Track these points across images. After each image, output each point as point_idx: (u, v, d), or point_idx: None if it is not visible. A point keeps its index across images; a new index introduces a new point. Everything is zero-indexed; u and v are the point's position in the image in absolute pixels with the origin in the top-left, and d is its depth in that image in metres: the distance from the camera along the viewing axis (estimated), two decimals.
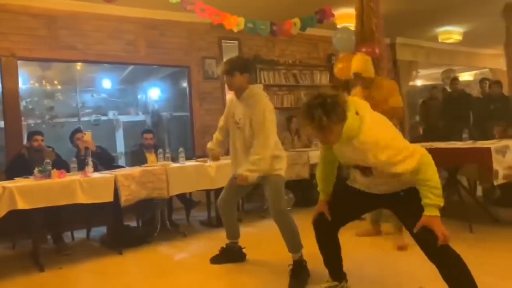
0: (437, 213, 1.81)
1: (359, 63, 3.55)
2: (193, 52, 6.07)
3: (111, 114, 7.80)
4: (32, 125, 6.62)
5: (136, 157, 4.70)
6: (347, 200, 2.22)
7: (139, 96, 8.61)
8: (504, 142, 3.71)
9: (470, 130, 5.02)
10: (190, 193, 4.74)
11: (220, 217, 4.48)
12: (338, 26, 5.61)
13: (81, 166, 3.77)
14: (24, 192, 3.17)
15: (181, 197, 4.60)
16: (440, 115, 6.28)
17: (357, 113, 1.89)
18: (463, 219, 3.58)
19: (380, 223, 3.63)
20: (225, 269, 3.06)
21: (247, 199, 5.35)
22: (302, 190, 5.20)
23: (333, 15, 5.27)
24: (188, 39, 6.02)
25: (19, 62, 4.91)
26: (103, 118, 7.63)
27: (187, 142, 6.46)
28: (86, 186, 3.43)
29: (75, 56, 5.28)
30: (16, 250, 3.98)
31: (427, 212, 1.81)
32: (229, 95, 3.15)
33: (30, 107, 6.78)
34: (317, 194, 2.30)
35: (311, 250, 2.69)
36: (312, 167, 4.80)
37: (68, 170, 3.74)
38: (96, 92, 7.78)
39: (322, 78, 7.17)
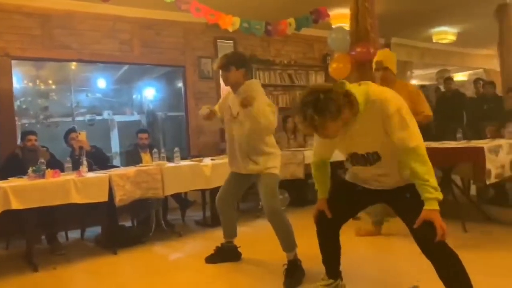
0: (437, 207, 1.80)
1: (383, 53, 3.52)
2: (189, 51, 6.06)
3: (106, 114, 7.77)
4: (26, 125, 6.58)
5: (131, 157, 4.68)
6: (346, 197, 2.23)
7: (134, 96, 8.59)
8: (497, 142, 3.75)
9: (463, 130, 5.06)
10: (186, 193, 4.73)
11: (216, 217, 4.52)
12: (333, 26, 5.62)
13: (76, 166, 3.76)
14: (18, 192, 3.15)
15: (176, 197, 4.59)
16: (434, 115, 6.31)
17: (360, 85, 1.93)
18: (457, 218, 3.60)
19: (382, 224, 3.62)
20: (220, 269, 3.07)
21: (243, 199, 5.35)
22: (297, 190, 5.21)
23: (328, 15, 5.29)
24: (184, 39, 6.01)
25: (13, 61, 4.89)
26: (98, 118, 7.60)
27: (182, 142, 6.45)
28: (81, 186, 3.42)
29: (69, 55, 5.26)
30: (10, 250, 3.96)
31: (427, 206, 1.80)
32: (226, 91, 3.13)
33: (24, 106, 6.75)
34: (312, 193, 2.31)
35: (306, 249, 2.71)
36: (307, 166, 4.79)
37: (62, 170, 3.73)
38: (91, 91, 7.75)
39: (317, 78, 7.19)
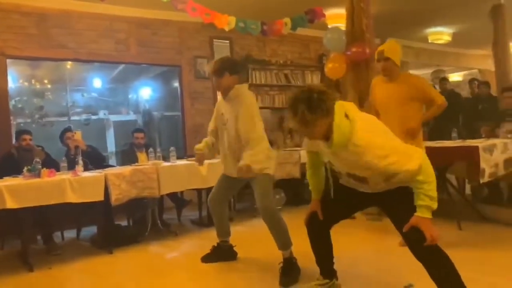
0: (429, 215, 1.80)
1: (387, 43, 3.41)
2: (185, 51, 6.06)
3: (101, 114, 7.77)
4: (22, 124, 6.56)
5: (127, 157, 4.68)
6: (340, 199, 2.23)
7: (130, 96, 8.58)
8: (492, 141, 3.77)
9: (459, 130, 5.08)
10: (182, 192, 4.73)
11: (210, 216, 4.52)
12: (329, 26, 5.64)
13: (71, 166, 3.76)
14: (13, 191, 3.14)
15: (172, 196, 4.59)
16: None
17: (346, 116, 1.86)
18: (452, 217, 3.63)
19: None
20: (216, 268, 3.07)
21: (238, 199, 5.35)
22: (293, 189, 5.23)
23: (324, 15, 5.31)
24: (180, 38, 6.01)
25: (8, 60, 4.87)
26: (94, 117, 7.59)
27: (179, 141, 6.44)
28: (76, 185, 3.41)
29: (66, 55, 5.24)
30: (5, 250, 3.94)
31: (418, 213, 1.82)
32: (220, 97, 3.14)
33: (19, 106, 6.72)
34: (308, 193, 2.31)
35: (301, 248, 2.71)
36: (303, 166, 4.80)
37: (58, 170, 3.72)
38: (87, 91, 7.74)
39: (313, 78, 7.20)
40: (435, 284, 1.89)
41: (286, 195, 5.18)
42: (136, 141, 4.74)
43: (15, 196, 3.13)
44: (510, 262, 2.79)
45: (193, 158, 4.46)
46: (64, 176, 3.48)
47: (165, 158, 4.35)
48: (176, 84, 6.51)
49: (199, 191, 4.66)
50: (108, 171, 3.79)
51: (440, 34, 7.84)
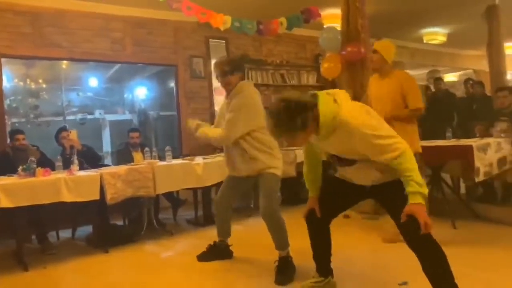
0: (421, 201, 1.82)
1: (381, 42, 3.50)
2: (180, 50, 6.05)
3: (97, 113, 7.74)
4: (17, 124, 6.53)
5: (122, 156, 4.67)
6: (336, 193, 2.25)
7: (125, 95, 8.56)
8: (486, 140, 3.80)
9: (454, 129, 5.11)
10: (177, 192, 4.73)
11: (207, 216, 4.54)
12: (325, 26, 5.66)
13: (67, 165, 3.74)
14: (8, 190, 3.12)
15: (168, 195, 4.59)
16: (425, 115, 6.36)
17: (335, 101, 1.91)
18: (446, 216, 3.65)
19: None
20: (212, 267, 3.07)
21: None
22: (289, 189, 5.23)
23: (319, 15, 5.32)
24: (176, 38, 6.00)
25: (2, 59, 4.84)
26: (89, 117, 7.57)
27: (174, 141, 6.44)
28: (72, 184, 3.40)
29: (60, 54, 5.22)
30: (0, 249, 3.92)
31: (411, 200, 1.84)
32: (218, 91, 3.17)
33: (14, 105, 6.69)
34: (304, 192, 2.32)
35: (297, 247, 2.73)
36: (299, 165, 4.83)
37: (53, 169, 3.70)
38: (82, 90, 7.73)
39: (309, 78, 7.23)
40: (428, 278, 1.91)
41: (282, 195, 5.14)
42: (132, 140, 4.73)
43: (9, 195, 3.11)
44: (502, 258, 2.82)
45: (188, 157, 4.48)
46: (60, 175, 3.47)
47: (161, 158, 4.35)
48: (171, 83, 6.50)
49: (194, 190, 4.67)
50: (104, 170, 3.78)
51: (435, 34, 7.88)
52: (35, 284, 3.00)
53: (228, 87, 2.92)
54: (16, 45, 4.84)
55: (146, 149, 4.36)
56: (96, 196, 3.50)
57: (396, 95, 3.23)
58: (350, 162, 2.03)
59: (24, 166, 3.40)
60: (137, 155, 4.66)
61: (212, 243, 3.22)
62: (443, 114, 6.19)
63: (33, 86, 6.94)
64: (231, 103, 2.87)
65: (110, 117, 7.95)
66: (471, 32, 7.54)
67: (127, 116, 8.20)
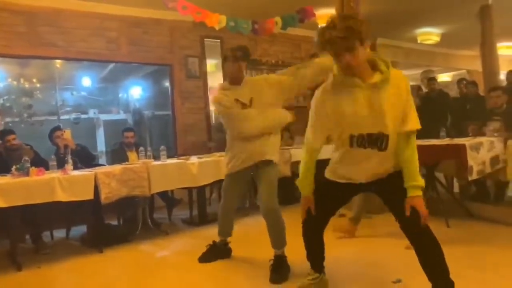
0: (420, 193, 1.90)
1: None
2: (176, 50, 6.05)
3: (91, 113, 7.72)
4: (10, 124, 6.49)
5: (117, 156, 4.65)
6: (330, 193, 2.23)
7: (120, 95, 8.53)
8: (478, 139, 3.83)
9: (447, 129, 5.14)
10: (172, 192, 4.72)
11: (202, 215, 4.54)
12: (320, 26, 5.67)
13: (61, 164, 3.72)
14: (2, 190, 3.11)
15: (163, 195, 4.58)
16: (418, 115, 6.38)
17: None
18: (440, 214, 3.67)
19: (358, 223, 3.59)
20: (207, 266, 3.07)
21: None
22: (283, 188, 5.21)
23: (314, 15, 5.33)
24: (171, 38, 6.00)
25: None
26: (84, 116, 7.54)
27: (169, 141, 6.43)
28: (66, 183, 3.39)
29: (55, 53, 5.20)
30: None
31: (413, 193, 1.89)
32: (216, 93, 3.09)
33: (7, 105, 6.65)
34: (299, 192, 2.28)
35: (292, 246, 2.73)
36: (294, 165, 4.83)
37: (47, 168, 3.68)
38: (76, 90, 7.69)
39: None
40: (425, 273, 1.92)
41: (277, 194, 5.19)
42: (126, 140, 4.72)
43: (3, 195, 3.10)
44: (496, 257, 2.84)
45: (183, 157, 4.48)
46: (54, 174, 3.46)
47: (156, 157, 4.34)
48: (166, 83, 6.49)
49: (189, 190, 4.67)
50: (98, 169, 3.77)
51: (429, 34, 7.93)
52: (29, 284, 2.99)
53: (242, 74, 2.92)
54: (10, 44, 4.81)
55: (141, 148, 4.35)
56: (90, 195, 3.48)
57: None
58: (379, 142, 1.96)
59: (18, 166, 3.38)
60: (132, 155, 4.65)
61: (211, 243, 3.21)
62: (437, 114, 6.21)
63: (27, 86, 6.90)
64: (255, 88, 2.86)
65: (104, 116, 7.93)
66: (464, 32, 7.59)
67: (121, 115, 8.18)
